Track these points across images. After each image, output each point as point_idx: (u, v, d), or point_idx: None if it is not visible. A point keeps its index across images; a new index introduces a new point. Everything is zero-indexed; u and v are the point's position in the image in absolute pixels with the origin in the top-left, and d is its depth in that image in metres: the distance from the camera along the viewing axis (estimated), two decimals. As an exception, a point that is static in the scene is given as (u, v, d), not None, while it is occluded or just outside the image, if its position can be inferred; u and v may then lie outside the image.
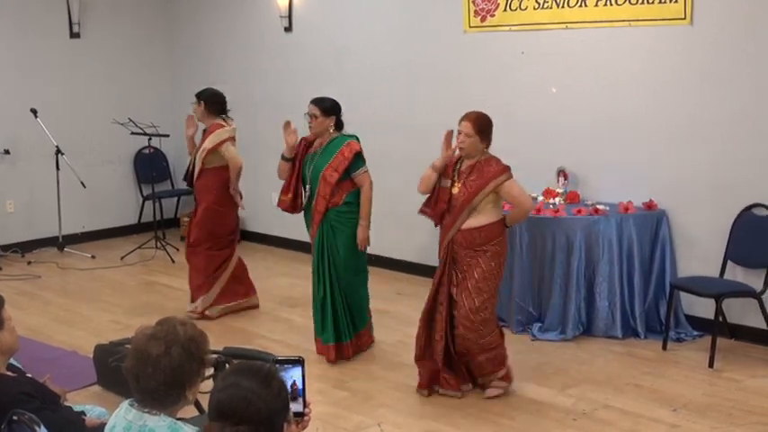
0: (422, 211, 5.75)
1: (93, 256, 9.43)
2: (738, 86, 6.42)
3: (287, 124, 6.33)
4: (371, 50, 8.64)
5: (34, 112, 9.17)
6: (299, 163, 6.33)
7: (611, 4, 6.92)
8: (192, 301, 7.39)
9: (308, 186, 6.27)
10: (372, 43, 8.63)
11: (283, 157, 6.36)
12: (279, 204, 6.52)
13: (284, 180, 6.44)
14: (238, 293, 7.50)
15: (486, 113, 5.47)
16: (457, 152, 5.45)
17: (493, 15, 7.62)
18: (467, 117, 5.42)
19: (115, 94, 10.24)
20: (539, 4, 7.31)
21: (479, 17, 7.71)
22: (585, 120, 7.24)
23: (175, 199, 10.81)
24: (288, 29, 9.36)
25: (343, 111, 6.28)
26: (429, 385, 5.64)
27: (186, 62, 10.63)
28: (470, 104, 7.80)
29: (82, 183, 9.22)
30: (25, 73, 9.56)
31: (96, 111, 10.08)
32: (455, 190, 5.44)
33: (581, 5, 7.08)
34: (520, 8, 7.43)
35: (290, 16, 9.31)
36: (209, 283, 7.33)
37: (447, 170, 5.51)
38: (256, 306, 7.59)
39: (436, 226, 5.71)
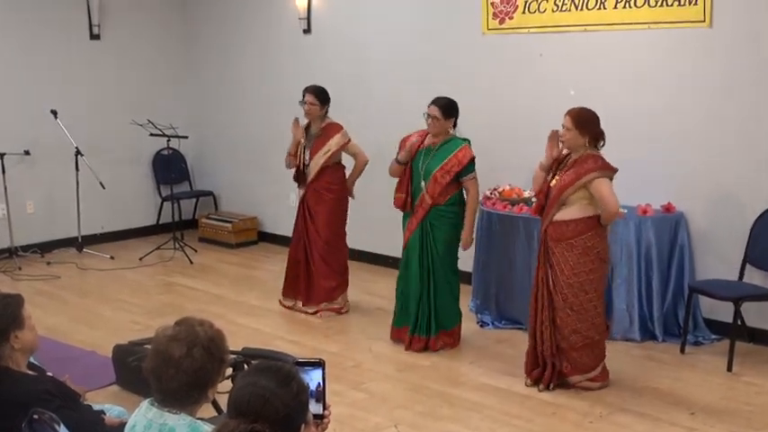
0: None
1: (111, 257, 9.48)
2: (758, 89, 6.38)
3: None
4: (390, 53, 8.63)
5: (54, 113, 9.23)
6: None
7: (630, 7, 6.90)
8: (326, 300, 7.43)
9: (421, 183, 6.43)
10: (391, 46, 8.62)
11: (398, 161, 6.57)
12: (394, 202, 6.66)
13: (397, 178, 6.63)
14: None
15: (589, 109, 5.59)
16: (564, 151, 5.62)
17: (511, 18, 7.61)
18: (569, 111, 5.56)
19: (134, 96, 10.30)
20: (557, 6, 7.30)
21: (498, 19, 7.71)
22: (604, 122, 7.19)
23: (194, 200, 10.85)
24: (307, 31, 9.38)
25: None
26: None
27: (204, 64, 10.67)
28: (488, 107, 7.87)
29: (101, 183, 9.28)
30: (45, 74, 9.62)
31: (115, 112, 10.13)
32: (553, 182, 5.62)
33: (600, 8, 7.07)
34: (538, 10, 7.42)
35: (308, 18, 9.33)
36: (347, 280, 7.54)
37: (554, 166, 5.70)
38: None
39: (539, 216, 5.89)
